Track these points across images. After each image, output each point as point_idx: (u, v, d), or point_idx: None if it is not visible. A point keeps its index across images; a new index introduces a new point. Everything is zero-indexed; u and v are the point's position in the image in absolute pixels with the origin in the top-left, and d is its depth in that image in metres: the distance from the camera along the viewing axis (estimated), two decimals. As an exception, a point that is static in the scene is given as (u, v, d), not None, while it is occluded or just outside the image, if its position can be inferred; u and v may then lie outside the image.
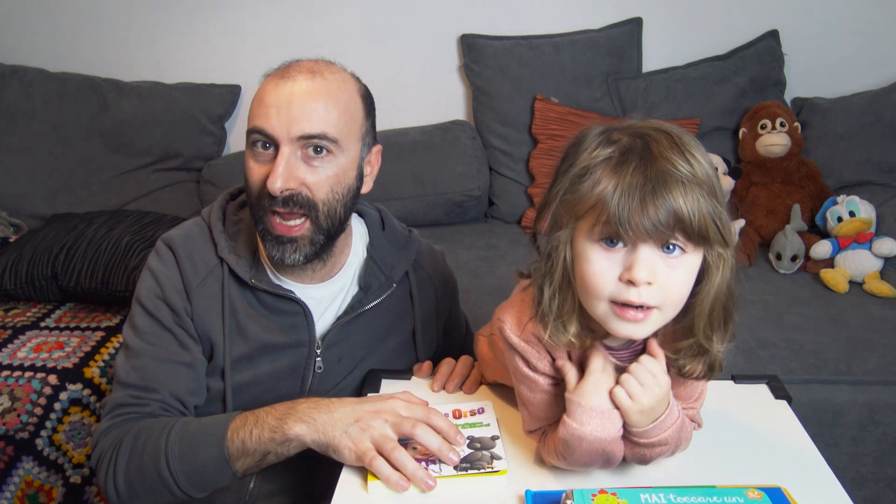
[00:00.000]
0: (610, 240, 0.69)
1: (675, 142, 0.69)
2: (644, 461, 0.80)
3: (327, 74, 0.98)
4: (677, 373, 0.77)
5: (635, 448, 0.78)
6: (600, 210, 0.68)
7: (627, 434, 0.77)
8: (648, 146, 0.68)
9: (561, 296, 0.74)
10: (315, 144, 0.95)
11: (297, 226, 0.97)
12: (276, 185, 0.93)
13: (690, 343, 0.74)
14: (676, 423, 0.77)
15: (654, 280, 0.68)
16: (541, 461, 0.87)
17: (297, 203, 0.95)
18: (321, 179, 0.96)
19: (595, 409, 0.74)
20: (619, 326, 0.71)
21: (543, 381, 0.80)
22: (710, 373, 0.77)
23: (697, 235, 0.68)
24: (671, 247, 0.69)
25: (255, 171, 0.96)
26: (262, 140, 0.95)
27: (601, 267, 0.70)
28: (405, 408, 0.90)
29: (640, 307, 0.69)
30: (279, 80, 0.95)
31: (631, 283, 0.68)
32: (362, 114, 1.01)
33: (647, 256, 0.68)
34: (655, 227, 0.66)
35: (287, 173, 0.93)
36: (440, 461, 0.85)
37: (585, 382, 0.75)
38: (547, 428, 0.83)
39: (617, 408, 0.75)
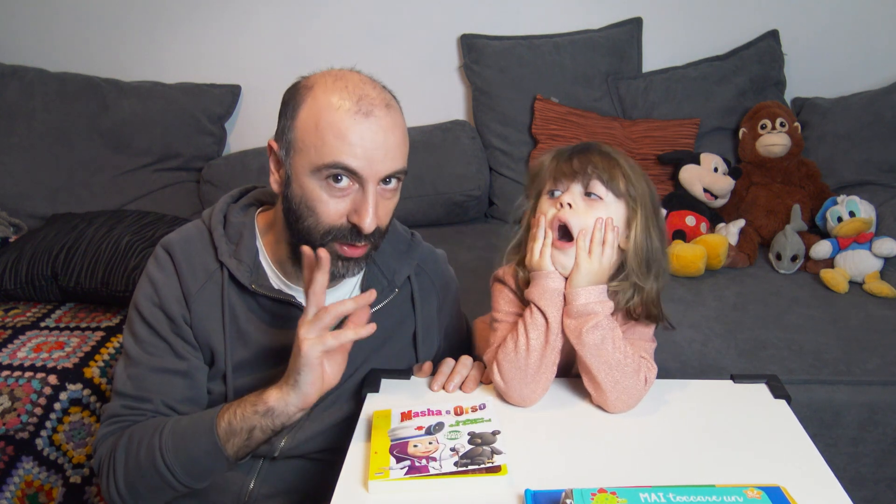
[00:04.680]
0: (552, 192, 1.01)
1: (610, 148, 1.02)
2: (580, 342, 0.95)
3: (392, 102, 0.97)
4: (624, 315, 1.02)
5: (570, 319, 0.97)
6: (547, 177, 1.01)
7: (568, 297, 0.97)
8: (586, 145, 1.02)
9: (522, 248, 1.03)
10: (394, 177, 0.96)
11: (362, 248, 0.98)
12: (372, 223, 0.94)
13: (627, 284, 0.99)
14: (608, 306, 0.97)
15: (574, 205, 0.98)
16: (541, 460, 0.87)
17: (372, 233, 0.96)
18: (390, 208, 0.99)
19: (542, 273, 0.99)
20: (555, 255, 0.98)
21: (511, 310, 1.05)
22: (651, 316, 1.01)
23: (608, 181, 0.97)
24: (591, 195, 0.98)
25: (332, 204, 0.94)
26: (342, 174, 0.93)
27: (546, 209, 1.00)
28: (307, 325, 0.93)
29: (566, 236, 0.98)
30: (357, 115, 0.91)
31: (561, 206, 0.98)
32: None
33: (574, 192, 0.99)
34: (575, 171, 0.98)
35: (376, 210, 0.94)
36: (440, 459, 0.85)
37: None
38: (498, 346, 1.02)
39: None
